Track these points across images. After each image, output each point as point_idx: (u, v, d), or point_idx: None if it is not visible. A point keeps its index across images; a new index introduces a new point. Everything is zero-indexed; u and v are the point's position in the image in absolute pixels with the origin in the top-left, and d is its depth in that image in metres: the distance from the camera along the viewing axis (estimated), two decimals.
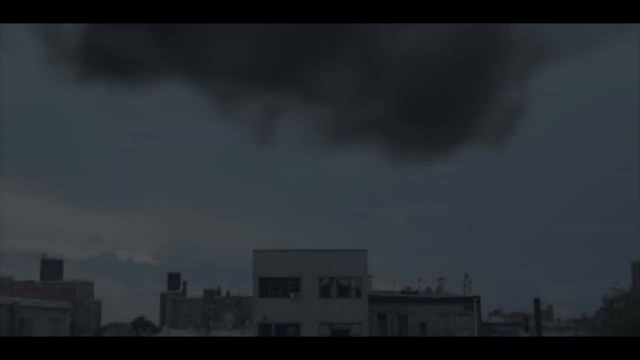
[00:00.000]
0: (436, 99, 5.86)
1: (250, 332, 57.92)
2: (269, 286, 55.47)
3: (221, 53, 5.66)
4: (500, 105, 5.89)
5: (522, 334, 73.61)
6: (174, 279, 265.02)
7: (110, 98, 5.86)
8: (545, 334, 61.20)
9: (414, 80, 5.75)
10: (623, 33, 5.53)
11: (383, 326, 55.82)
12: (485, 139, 6.03)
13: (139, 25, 5.53)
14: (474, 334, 54.57)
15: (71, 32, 5.60)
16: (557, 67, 5.72)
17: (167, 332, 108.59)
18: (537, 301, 59.48)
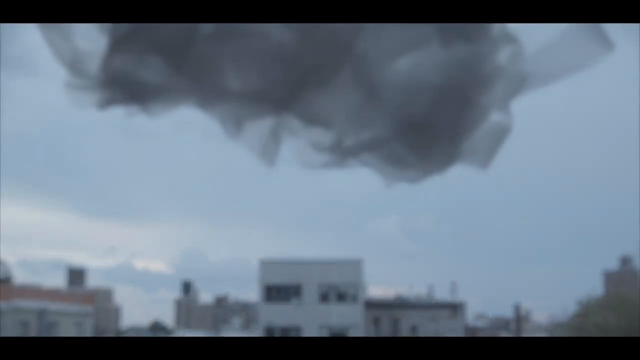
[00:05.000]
0: (428, 122, 5.86)
1: (256, 335, 57.74)
2: (274, 293, 55.42)
3: (231, 79, 5.67)
4: (486, 127, 5.89)
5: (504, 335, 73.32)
6: (186, 286, 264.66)
7: (128, 122, 5.89)
8: (524, 336, 60.93)
9: (408, 104, 5.75)
10: (607, 57, 5.48)
11: (377, 329, 55.68)
12: (471, 159, 6.03)
13: (157, 53, 5.53)
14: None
15: (94, 60, 5.61)
16: (540, 91, 5.72)
17: (181, 334, 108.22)
18: (517, 307, 59.53)
